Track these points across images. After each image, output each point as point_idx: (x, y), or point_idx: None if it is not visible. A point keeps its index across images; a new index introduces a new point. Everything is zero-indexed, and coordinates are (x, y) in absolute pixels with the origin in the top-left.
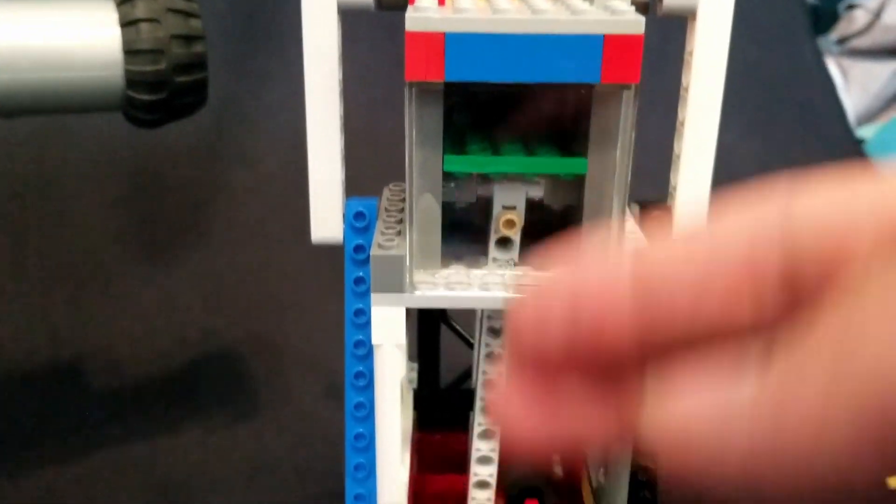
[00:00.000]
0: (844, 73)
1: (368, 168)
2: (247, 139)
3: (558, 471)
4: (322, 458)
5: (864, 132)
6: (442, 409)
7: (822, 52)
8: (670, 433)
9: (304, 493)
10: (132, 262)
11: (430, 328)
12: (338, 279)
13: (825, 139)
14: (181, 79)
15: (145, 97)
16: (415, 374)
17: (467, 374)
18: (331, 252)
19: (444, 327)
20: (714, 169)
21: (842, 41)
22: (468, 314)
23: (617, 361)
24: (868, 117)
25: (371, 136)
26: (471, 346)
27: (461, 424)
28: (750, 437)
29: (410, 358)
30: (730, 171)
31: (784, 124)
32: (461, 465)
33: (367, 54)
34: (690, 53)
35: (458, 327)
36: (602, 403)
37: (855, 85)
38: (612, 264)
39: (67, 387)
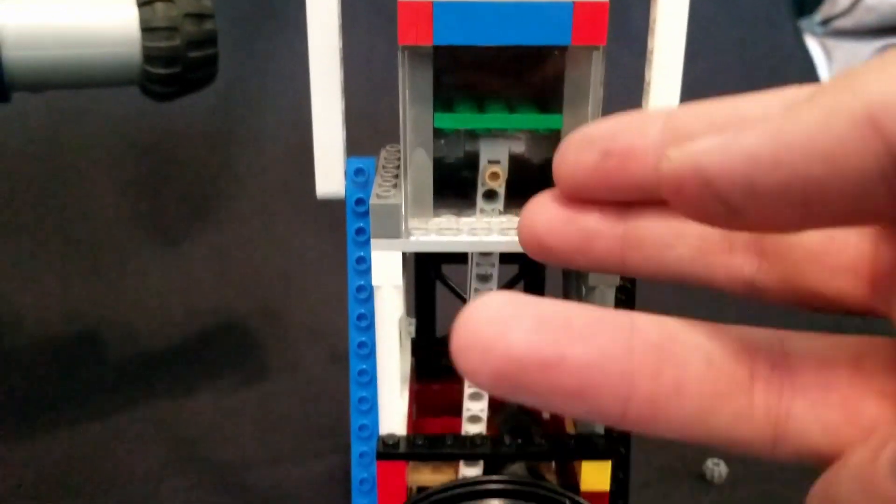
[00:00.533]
0: (828, 53)
1: (367, 134)
2: (253, 120)
3: (546, 416)
4: (327, 416)
5: None
6: (438, 358)
7: (805, 33)
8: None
9: (311, 447)
10: (145, 237)
11: (426, 285)
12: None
13: None
14: (194, 54)
15: (161, 71)
16: (413, 328)
17: None
18: (332, 229)
19: (439, 286)
20: None
21: (825, 22)
22: (461, 274)
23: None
24: None
25: (369, 109)
26: (464, 300)
27: (457, 375)
28: None
29: (408, 314)
30: None
31: None
32: (458, 411)
33: (365, 35)
34: (654, 20)
35: (452, 284)
36: (615, 224)
37: (838, 64)
38: (647, 114)
39: (86, 355)
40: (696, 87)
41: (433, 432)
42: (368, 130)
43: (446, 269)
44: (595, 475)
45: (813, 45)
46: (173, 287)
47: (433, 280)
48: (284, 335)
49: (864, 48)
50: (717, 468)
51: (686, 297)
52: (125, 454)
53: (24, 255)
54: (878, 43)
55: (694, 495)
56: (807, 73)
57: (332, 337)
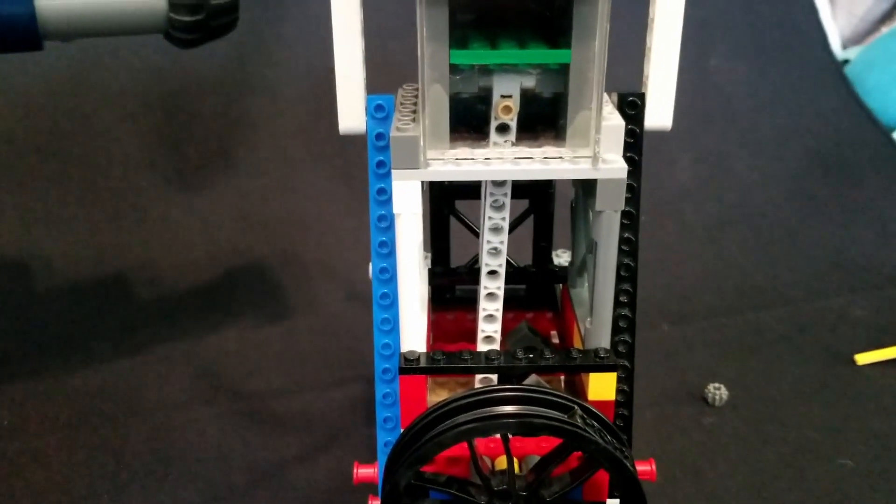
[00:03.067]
0: None
1: (384, 76)
2: (268, 69)
3: (555, 339)
4: (347, 350)
5: (850, 54)
6: (453, 288)
7: None
8: None
9: (332, 377)
10: (166, 185)
11: (440, 220)
12: (353, 199)
13: (807, 61)
14: (216, 1)
15: (186, 18)
16: (429, 261)
17: (475, 261)
18: (346, 174)
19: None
20: (701, 90)
21: None
22: (474, 209)
23: None
24: (854, 40)
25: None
26: (476, 234)
27: (471, 303)
28: None
29: (424, 247)
30: (717, 92)
31: (767, 47)
32: (471, 337)
33: None
34: None
35: (465, 218)
36: None
37: (841, 9)
38: None
39: (113, 297)
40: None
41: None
42: (386, 72)
43: (459, 205)
44: (601, 386)
45: None
46: (194, 231)
47: (447, 215)
48: (303, 275)
49: None
50: (718, 392)
51: (687, 230)
52: (154, 387)
53: (52, 203)
54: None
55: (695, 417)
56: (812, 20)
57: (348, 276)
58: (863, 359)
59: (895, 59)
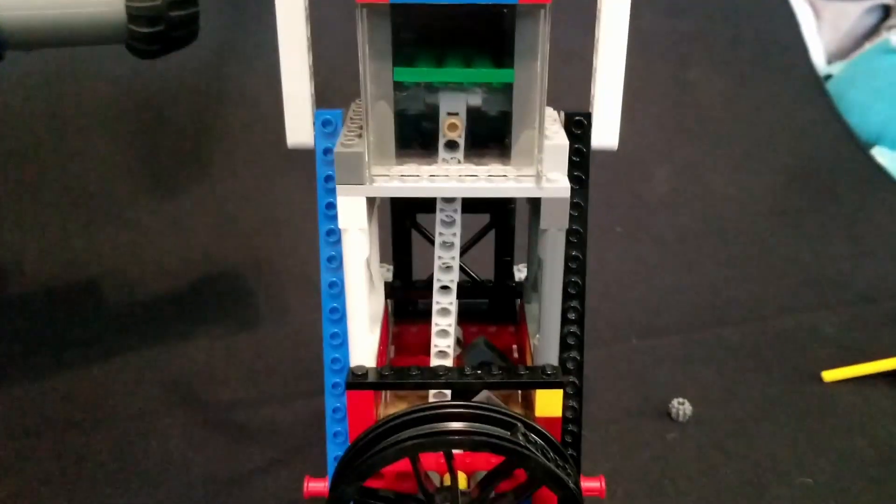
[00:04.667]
0: (817, 12)
1: (340, 89)
2: (243, 77)
3: (515, 355)
4: (317, 360)
5: (833, 69)
6: (414, 301)
7: None
8: None
9: (300, 389)
10: (141, 192)
11: (402, 233)
12: None
13: (788, 75)
14: (175, 13)
15: (144, 30)
16: (390, 274)
17: None
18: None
19: (415, 234)
20: (679, 103)
21: None
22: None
23: None
24: (839, 55)
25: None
26: None
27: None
28: None
29: (386, 260)
30: (695, 105)
31: (747, 61)
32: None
33: None
34: None
35: (426, 231)
36: None
37: (826, 24)
38: None
39: (85, 303)
40: (680, 46)
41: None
42: (342, 85)
43: (421, 219)
44: (548, 403)
45: (801, 4)
46: (168, 238)
47: (409, 228)
48: (275, 283)
49: (854, 8)
50: (681, 407)
51: (661, 243)
52: (121, 395)
53: (26, 208)
54: (867, 2)
55: (658, 432)
56: (794, 34)
57: (320, 285)
58: (830, 376)
59: (876, 76)
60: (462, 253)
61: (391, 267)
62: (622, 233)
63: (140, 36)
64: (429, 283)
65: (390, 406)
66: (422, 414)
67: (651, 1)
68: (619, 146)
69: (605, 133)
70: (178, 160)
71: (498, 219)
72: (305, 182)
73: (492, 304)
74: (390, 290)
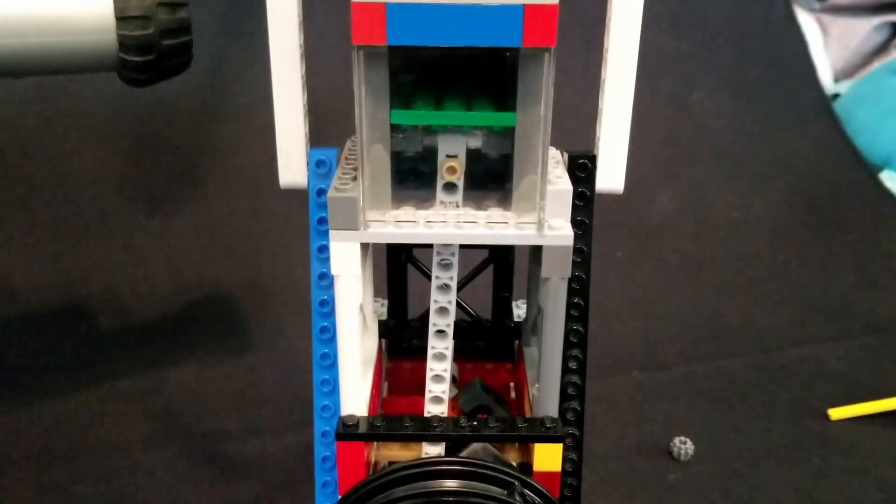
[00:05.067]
0: (824, 29)
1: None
2: (238, 97)
3: (513, 394)
4: (309, 388)
5: (841, 88)
6: (409, 338)
7: (800, 8)
8: None
9: (292, 420)
10: (133, 211)
11: (397, 268)
12: None
13: (794, 95)
14: (168, 42)
15: (136, 59)
16: (384, 309)
17: None
18: None
19: (411, 269)
20: (683, 124)
21: None
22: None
23: None
24: (847, 73)
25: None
26: None
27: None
28: None
29: (380, 295)
30: (699, 126)
31: (754, 80)
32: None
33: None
34: (609, 18)
35: (423, 266)
36: None
37: (834, 41)
38: None
39: (75, 325)
40: (685, 64)
41: (402, 409)
42: (337, 122)
43: (417, 253)
44: (547, 457)
45: (808, 21)
46: (160, 260)
47: (404, 263)
48: (269, 308)
49: (862, 25)
50: (683, 446)
51: (663, 269)
52: (109, 424)
53: (15, 228)
54: (876, 20)
55: (659, 472)
56: (800, 52)
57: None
58: (836, 414)
59: (885, 96)
60: (459, 288)
61: (385, 302)
62: (623, 257)
63: (132, 65)
64: (424, 319)
65: (382, 449)
66: (414, 471)
67: (655, 19)
68: None
69: (611, 176)
70: (172, 179)
71: (497, 255)
72: (300, 205)
73: (489, 340)
74: (384, 328)
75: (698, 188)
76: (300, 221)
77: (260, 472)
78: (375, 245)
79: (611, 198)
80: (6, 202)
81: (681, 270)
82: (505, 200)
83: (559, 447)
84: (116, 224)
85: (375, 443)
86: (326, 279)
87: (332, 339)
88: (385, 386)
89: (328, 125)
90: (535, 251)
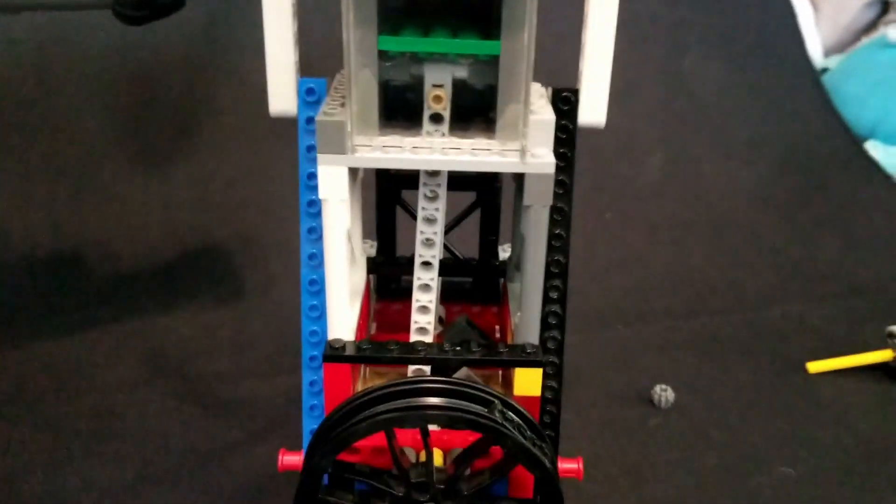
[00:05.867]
0: (816, 5)
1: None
2: (234, 53)
3: (498, 335)
4: (299, 335)
5: (830, 63)
6: (398, 278)
7: None
8: None
9: (280, 364)
10: (129, 164)
11: (387, 209)
12: None
13: (783, 66)
14: None
15: None
16: (373, 250)
17: None
18: None
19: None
20: (673, 90)
21: None
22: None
23: None
24: (837, 48)
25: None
26: None
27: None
28: None
29: (370, 236)
30: (689, 93)
31: (743, 51)
32: None
33: None
34: None
35: (412, 209)
36: None
37: (825, 17)
38: None
39: (69, 274)
40: (675, 33)
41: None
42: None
43: (406, 195)
44: (527, 382)
45: None
46: (154, 211)
47: (394, 204)
48: (261, 258)
49: (853, 1)
50: (664, 394)
51: (651, 231)
52: (101, 365)
53: (12, 177)
54: None
55: (640, 418)
56: (791, 25)
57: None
58: (814, 367)
59: (872, 69)
60: (446, 231)
61: (375, 243)
62: (611, 218)
63: (126, 1)
64: (412, 260)
65: (368, 382)
66: (398, 388)
67: None
68: (610, 131)
69: (593, 110)
70: (167, 133)
71: (484, 197)
72: (294, 158)
73: (475, 283)
74: (373, 265)
75: (686, 153)
76: (291, 176)
77: (251, 411)
78: (365, 187)
79: (600, 160)
80: (2, 151)
81: (668, 232)
82: (490, 130)
83: (539, 372)
84: (111, 175)
85: (362, 374)
86: (315, 206)
87: (320, 266)
88: (373, 326)
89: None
90: (520, 183)
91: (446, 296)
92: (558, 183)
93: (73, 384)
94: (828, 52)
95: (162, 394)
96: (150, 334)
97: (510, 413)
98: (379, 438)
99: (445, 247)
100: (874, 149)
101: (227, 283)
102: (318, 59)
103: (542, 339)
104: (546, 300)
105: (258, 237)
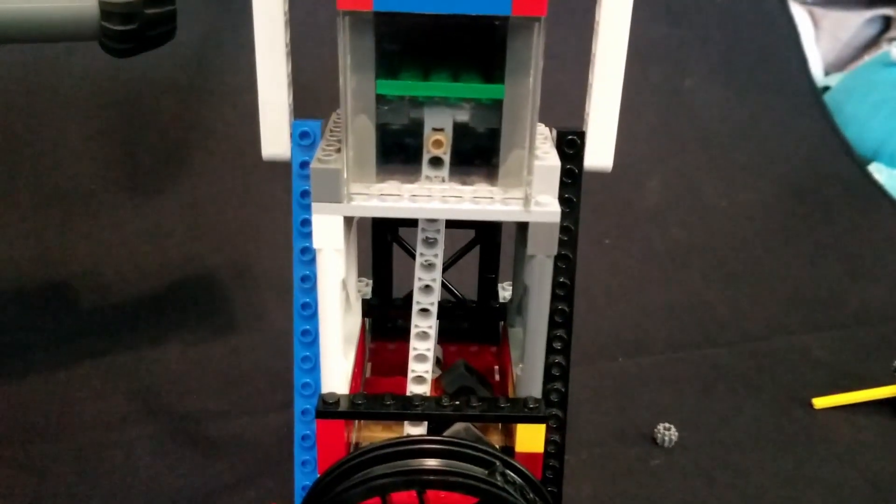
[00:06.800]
0: (816, 21)
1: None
2: (226, 74)
3: (497, 378)
4: (291, 370)
5: (831, 81)
6: (394, 318)
7: (792, 1)
8: None
9: (273, 401)
10: (118, 190)
11: (383, 247)
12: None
13: (785, 85)
14: (151, 11)
15: (118, 27)
16: (369, 289)
17: None
18: None
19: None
20: (674, 112)
21: None
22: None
23: None
24: (838, 66)
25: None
26: None
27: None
28: None
29: (365, 275)
30: (691, 114)
31: (745, 71)
32: None
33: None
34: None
35: (409, 246)
36: None
37: (825, 34)
38: None
39: (57, 304)
40: (676, 53)
41: (385, 390)
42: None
43: (403, 232)
44: (530, 438)
45: (800, 13)
46: (144, 238)
47: (390, 242)
48: (253, 289)
49: (853, 18)
50: (668, 433)
51: (651, 257)
52: (88, 402)
53: None
54: (868, 13)
55: (643, 457)
56: (792, 44)
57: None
58: (820, 403)
59: (875, 89)
60: (444, 269)
61: (370, 282)
62: (611, 245)
63: (113, 34)
64: (409, 300)
65: (364, 430)
66: (394, 449)
67: (647, 6)
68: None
69: (600, 153)
70: (157, 158)
71: (483, 235)
72: (286, 184)
73: (474, 323)
74: (368, 308)
75: (687, 177)
76: (285, 202)
77: (241, 452)
78: (360, 224)
79: (599, 184)
80: None
81: (668, 258)
82: (492, 176)
83: (542, 428)
84: (100, 201)
85: (356, 424)
86: (309, 254)
87: (314, 316)
88: (368, 367)
89: (313, 103)
90: (522, 230)
91: (444, 335)
92: (563, 229)
93: (58, 423)
94: (828, 70)
95: (149, 434)
96: (138, 369)
97: (511, 474)
98: (373, 502)
99: (443, 285)
100: (878, 172)
101: (219, 314)
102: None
103: (545, 392)
104: (549, 350)
105: (250, 266)
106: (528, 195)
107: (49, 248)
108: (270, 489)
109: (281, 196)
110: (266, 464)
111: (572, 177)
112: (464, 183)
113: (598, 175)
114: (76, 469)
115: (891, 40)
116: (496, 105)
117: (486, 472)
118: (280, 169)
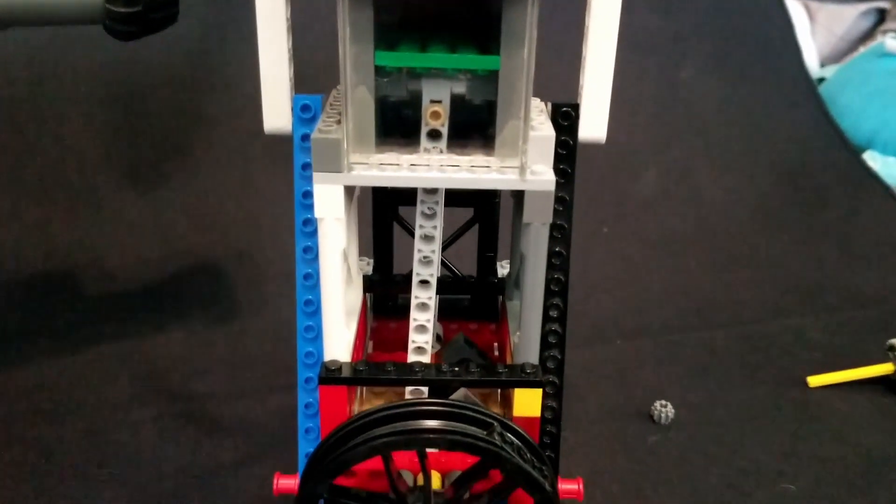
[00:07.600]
0: (811, 14)
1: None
2: (228, 66)
3: (496, 353)
4: (294, 355)
5: (827, 72)
6: (395, 296)
7: None
8: None
9: (277, 383)
10: (122, 181)
11: (383, 226)
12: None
13: (780, 77)
14: None
15: (122, 9)
16: (370, 268)
17: None
18: None
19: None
20: (670, 103)
21: None
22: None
23: None
24: (833, 58)
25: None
26: None
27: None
28: None
29: (366, 253)
30: (685, 106)
31: (741, 62)
32: None
33: None
34: None
35: (409, 226)
36: None
37: (820, 27)
38: None
39: (62, 293)
40: (672, 45)
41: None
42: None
43: (403, 211)
44: (527, 402)
45: (795, 6)
46: (148, 229)
47: (390, 221)
48: (256, 277)
49: (849, 11)
50: (664, 410)
51: (648, 244)
52: (95, 385)
53: (4, 196)
54: (863, 6)
55: (640, 435)
56: (787, 36)
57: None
58: (815, 381)
59: (870, 80)
60: (444, 248)
61: (371, 260)
62: (609, 233)
63: (117, 16)
64: (409, 277)
65: (366, 403)
66: (395, 411)
67: None
68: (607, 144)
69: (594, 125)
70: (161, 151)
71: (482, 213)
72: (289, 174)
73: (473, 301)
74: (369, 283)
75: (683, 166)
76: (286, 192)
77: (245, 431)
78: (361, 204)
79: (598, 174)
80: None
81: (665, 245)
82: (488, 147)
83: (538, 393)
84: (105, 193)
85: (358, 394)
86: (310, 225)
87: (316, 286)
88: (370, 344)
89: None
90: (519, 202)
91: (444, 313)
92: (558, 200)
93: (65, 405)
94: (824, 62)
95: (155, 414)
96: (143, 354)
97: (509, 435)
98: (375, 462)
99: (443, 263)
100: (872, 160)
101: (222, 301)
102: (313, 77)
103: (542, 359)
104: (546, 319)
105: (253, 254)
106: (523, 164)
107: (54, 238)
108: (274, 467)
109: (282, 186)
110: (270, 443)
111: (567, 148)
112: (461, 154)
113: (597, 165)
114: (83, 448)
115: (885, 32)
116: (492, 77)
117: (485, 432)
118: (281, 160)
